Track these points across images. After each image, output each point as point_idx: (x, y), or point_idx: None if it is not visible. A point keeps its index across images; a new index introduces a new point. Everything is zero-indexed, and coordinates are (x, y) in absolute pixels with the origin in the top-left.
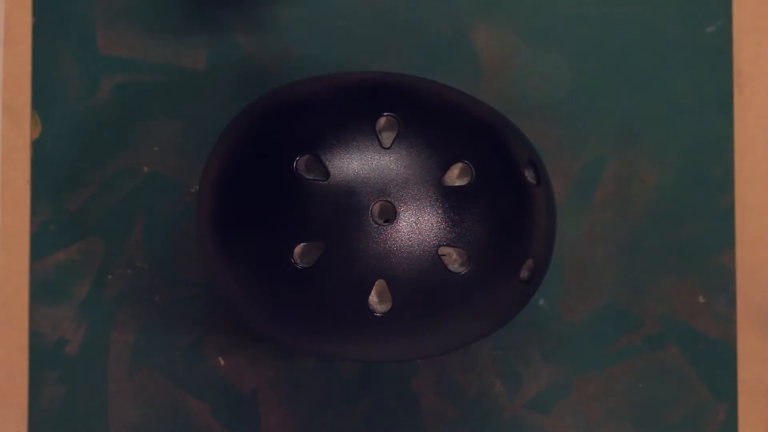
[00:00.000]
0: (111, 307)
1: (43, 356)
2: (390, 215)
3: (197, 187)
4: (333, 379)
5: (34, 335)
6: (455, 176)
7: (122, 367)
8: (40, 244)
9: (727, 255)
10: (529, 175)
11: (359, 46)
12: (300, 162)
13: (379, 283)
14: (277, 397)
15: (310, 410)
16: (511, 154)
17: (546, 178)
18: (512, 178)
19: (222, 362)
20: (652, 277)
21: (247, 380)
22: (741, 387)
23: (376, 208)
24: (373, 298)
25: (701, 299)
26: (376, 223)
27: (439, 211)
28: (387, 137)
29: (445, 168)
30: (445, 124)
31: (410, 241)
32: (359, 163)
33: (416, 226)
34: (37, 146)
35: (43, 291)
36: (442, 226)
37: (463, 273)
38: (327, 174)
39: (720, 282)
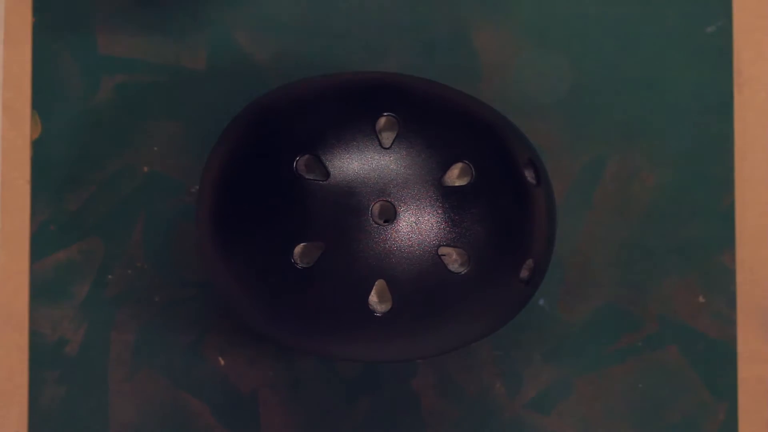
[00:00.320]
0: (111, 307)
1: (43, 356)
2: (390, 215)
3: (197, 187)
4: (333, 379)
5: (34, 335)
6: (455, 176)
7: (122, 367)
8: (40, 244)
9: (727, 255)
10: (529, 175)
11: (359, 46)
12: (300, 162)
13: (379, 283)
14: (277, 397)
15: (310, 410)
16: (511, 154)
17: (546, 178)
18: (512, 178)
19: (222, 362)
20: (652, 277)
21: (247, 380)
22: (741, 387)
23: (376, 208)
24: (373, 298)
25: (701, 299)
26: (376, 223)
27: (439, 211)
28: (387, 137)
29: (445, 168)
30: (445, 124)
31: (410, 241)
32: (359, 163)
33: (416, 226)
34: (37, 146)
35: (43, 291)
36: (442, 226)
37: (463, 273)
38: (327, 174)
39: (720, 282)
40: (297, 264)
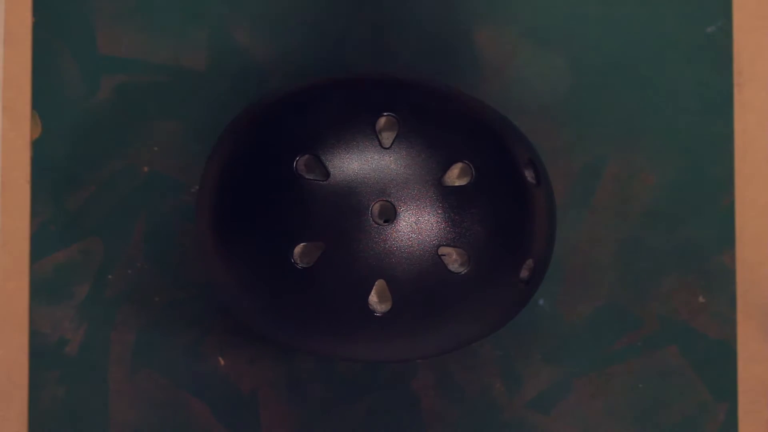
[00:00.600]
0: (111, 307)
1: (43, 356)
2: (390, 215)
3: (197, 187)
4: (333, 379)
5: (34, 335)
6: (455, 176)
7: (122, 367)
8: (40, 244)
9: (727, 255)
10: (529, 175)
11: (359, 46)
12: (300, 162)
13: (379, 283)
14: (277, 397)
15: (310, 410)
16: (511, 154)
17: (546, 178)
18: (512, 178)
19: (222, 362)
20: (652, 277)
21: (247, 380)
22: (741, 387)
23: (376, 208)
24: (373, 298)
25: (701, 299)
26: (376, 223)
27: (439, 211)
28: (387, 137)
29: (445, 168)
30: (445, 124)
31: (410, 241)
32: (359, 163)
33: (416, 226)
34: (37, 146)
35: (43, 291)
36: (442, 226)
37: (463, 273)
38: (327, 174)
39: (720, 282)
40: (297, 264)
